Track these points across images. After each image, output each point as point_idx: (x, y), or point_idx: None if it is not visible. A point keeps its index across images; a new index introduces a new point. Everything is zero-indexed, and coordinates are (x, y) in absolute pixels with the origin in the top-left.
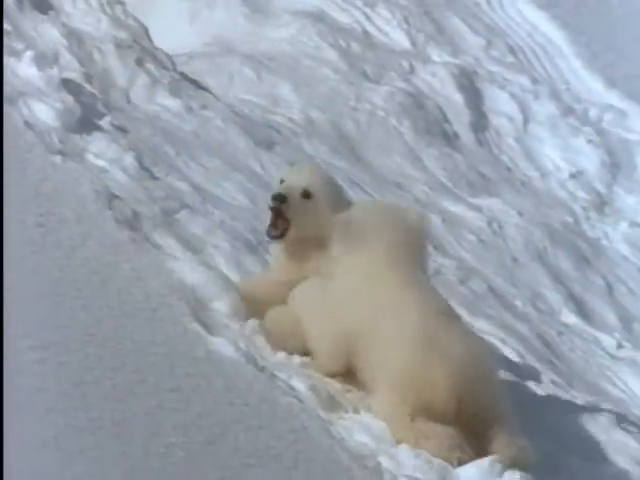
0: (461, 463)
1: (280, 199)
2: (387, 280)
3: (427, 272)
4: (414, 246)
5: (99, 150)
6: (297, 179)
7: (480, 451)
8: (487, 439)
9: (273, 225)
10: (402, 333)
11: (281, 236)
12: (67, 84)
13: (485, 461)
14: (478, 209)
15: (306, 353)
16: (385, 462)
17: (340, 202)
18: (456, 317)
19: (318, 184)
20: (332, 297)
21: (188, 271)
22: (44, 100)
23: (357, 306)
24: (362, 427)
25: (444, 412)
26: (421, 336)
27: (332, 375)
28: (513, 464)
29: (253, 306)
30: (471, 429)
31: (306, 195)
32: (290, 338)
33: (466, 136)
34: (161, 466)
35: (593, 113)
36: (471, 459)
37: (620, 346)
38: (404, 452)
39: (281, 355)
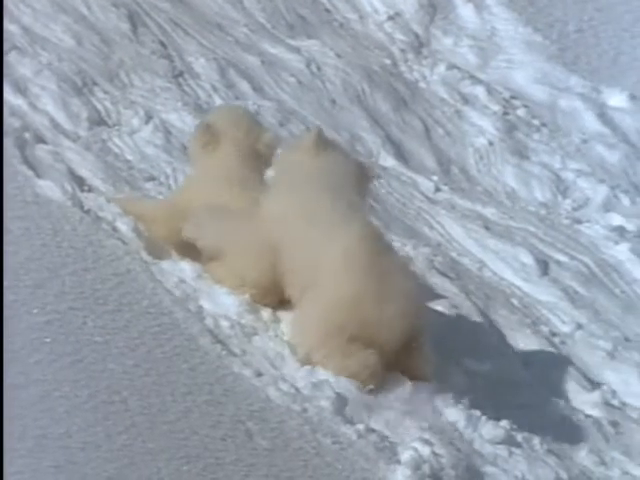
0: (370, 391)
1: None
2: (324, 200)
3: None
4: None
5: None
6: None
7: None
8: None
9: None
10: (348, 260)
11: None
12: None
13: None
14: (297, 51)
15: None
16: (206, 305)
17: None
18: (389, 242)
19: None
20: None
21: None
22: None
23: (289, 224)
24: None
25: (378, 343)
26: (370, 268)
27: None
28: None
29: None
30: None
31: None
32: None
33: None
34: None
35: None
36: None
37: (438, 189)
38: (224, 295)
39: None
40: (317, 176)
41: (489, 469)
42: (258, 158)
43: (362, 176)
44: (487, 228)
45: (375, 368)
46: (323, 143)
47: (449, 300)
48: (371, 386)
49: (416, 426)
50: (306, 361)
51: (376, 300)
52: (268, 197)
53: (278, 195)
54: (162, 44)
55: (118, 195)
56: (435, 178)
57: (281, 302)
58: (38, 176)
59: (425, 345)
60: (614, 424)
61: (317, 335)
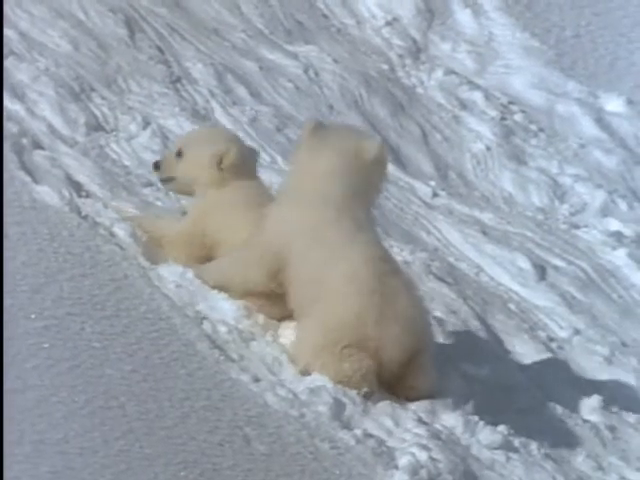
0: (366, 395)
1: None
2: (331, 216)
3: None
4: (367, 180)
5: None
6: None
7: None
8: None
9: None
10: (353, 281)
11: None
12: None
13: None
14: (294, 56)
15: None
16: (204, 310)
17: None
18: (397, 264)
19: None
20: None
21: None
22: None
23: (292, 232)
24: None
25: (380, 361)
26: (373, 289)
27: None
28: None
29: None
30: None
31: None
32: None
33: None
34: None
35: None
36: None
37: (435, 194)
38: (222, 300)
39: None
40: (323, 182)
41: (487, 474)
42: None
43: (373, 159)
44: (484, 233)
45: (368, 370)
46: (321, 133)
47: (446, 305)
48: (365, 389)
49: (414, 431)
50: (305, 373)
51: (378, 321)
52: (274, 209)
53: (283, 208)
54: (159, 50)
55: (131, 211)
56: (432, 183)
57: (284, 317)
58: (35, 181)
59: (429, 364)
60: (611, 429)
61: (314, 347)
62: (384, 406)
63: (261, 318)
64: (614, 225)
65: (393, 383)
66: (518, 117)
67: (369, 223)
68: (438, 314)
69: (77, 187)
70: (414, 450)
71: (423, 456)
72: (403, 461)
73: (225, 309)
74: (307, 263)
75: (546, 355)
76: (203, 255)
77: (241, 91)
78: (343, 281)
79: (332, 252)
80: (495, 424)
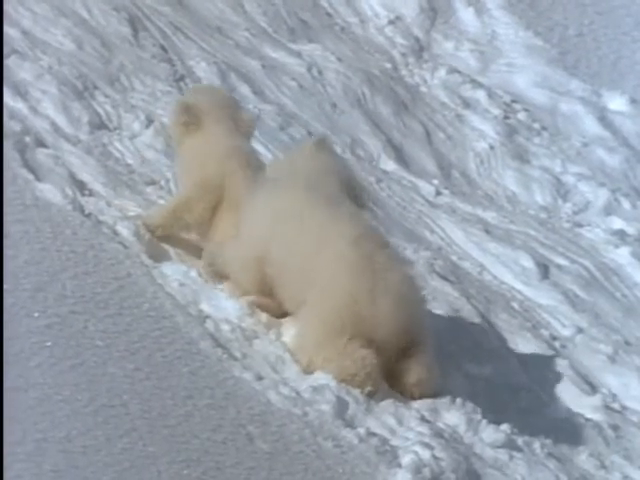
0: (369, 394)
1: None
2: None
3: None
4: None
5: None
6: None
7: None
8: (401, 364)
9: None
10: (341, 263)
11: None
12: None
13: None
14: (298, 55)
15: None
16: (207, 308)
17: None
18: (385, 240)
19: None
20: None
21: None
22: None
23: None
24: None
25: (376, 342)
26: (363, 268)
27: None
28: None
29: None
30: (388, 354)
31: None
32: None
33: None
34: None
35: None
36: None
37: (438, 193)
38: (225, 299)
39: None
40: (306, 176)
41: (489, 473)
42: (240, 135)
43: (355, 190)
44: (488, 232)
45: (372, 369)
46: (324, 149)
47: (450, 304)
48: (369, 388)
49: (417, 430)
50: (308, 370)
51: (370, 297)
52: (253, 200)
53: (264, 197)
54: (163, 48)
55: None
56: (436, 182)
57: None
58: (38, 180)
59: (430, 357)
60: (614, 428)
61: (316, 340)
62: (387, 405)
63: (264, 316)
64: (617, 224)
65: (397, 378)
66: (521, 116)
67: (343, 197)
68: (441, 312)
69: (80, 185)
70: (417, 449)
71: (426, 455)
72: (406, 460)
73: (228, 307)
74: (292, 254)
75: (549, 354)
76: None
77: (244, 89)
78: (332, 264)
79: (315, 236)
80: (498, 423)
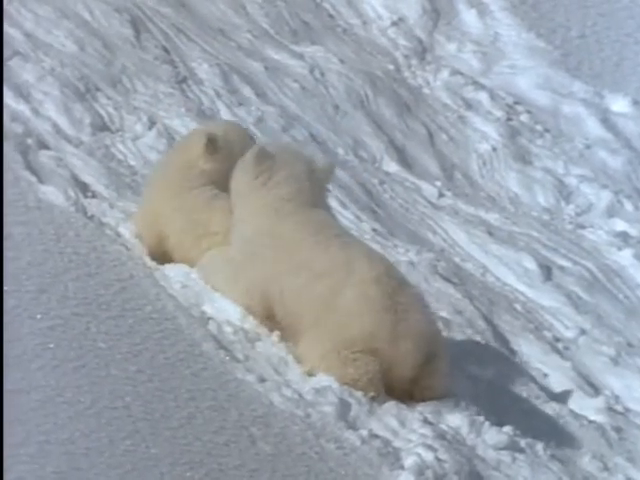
0: (372, 398)
1: None
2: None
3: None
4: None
5: None
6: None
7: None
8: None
9: None
10: (364, 302)
11: None
12: None
13: None
14: (300, 56)
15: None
16: (210, 310)
17: None
18: (403, 277)
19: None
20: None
21: None
22: None
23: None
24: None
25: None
26: (385, 307)
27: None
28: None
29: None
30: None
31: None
32: None
33: None
34: None
35: None
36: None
37: (441, 195)
38: (227, 301)
39: None
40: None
41: (492, 475)
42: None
43: (319, 176)
44: (490, 233)
45: (374, 375)
46: (264, 160)
47: (452, 305)
48: (372, 393)
49: (419, 432)
50: (311, 374)
51: (391, 339)
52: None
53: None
54: (165, 50)
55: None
56: (438, 184)
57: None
58: (41, 181)
59: (444, 367)
60: (617, 430)
61: (321, 352)
62: (390, 407)
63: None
64: (620, 225)
65: (407, 387)
66: (524, 117)
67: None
68: (444, 314)
69: (83, 187)
70: (420, 450)
71: (429, 456)
72: (409, 461)
73: (231, 309)
74: (306, 302)
75: (552, 355)
76: None
77: (247, 91)
78: (354, 301)
79: (332, 280)
80: (501, 424)
